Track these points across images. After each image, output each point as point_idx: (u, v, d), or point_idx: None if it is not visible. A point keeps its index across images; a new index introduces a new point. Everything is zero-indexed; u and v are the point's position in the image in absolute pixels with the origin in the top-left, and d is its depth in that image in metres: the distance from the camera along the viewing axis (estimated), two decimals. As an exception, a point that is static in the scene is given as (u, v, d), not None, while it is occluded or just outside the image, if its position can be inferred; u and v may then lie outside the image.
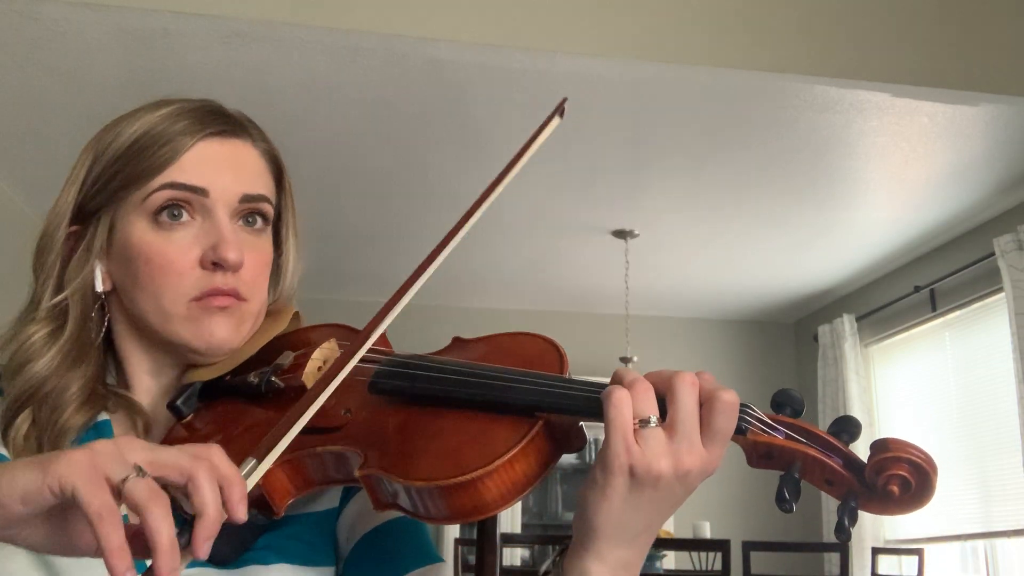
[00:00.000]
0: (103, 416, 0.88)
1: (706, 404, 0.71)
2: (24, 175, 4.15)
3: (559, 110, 0.92)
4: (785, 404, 0.73)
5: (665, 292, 6.06)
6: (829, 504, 5.57)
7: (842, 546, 4.24)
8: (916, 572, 4.09)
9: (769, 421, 0.73)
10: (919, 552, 4.14)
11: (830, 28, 3.15)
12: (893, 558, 4.76)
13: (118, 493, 0.56)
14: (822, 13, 3.16)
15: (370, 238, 5.11)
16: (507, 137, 3.88)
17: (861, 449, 0.72)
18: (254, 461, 0.67)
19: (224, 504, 0.59)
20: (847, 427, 0.72)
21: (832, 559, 5.32)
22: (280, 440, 0.70)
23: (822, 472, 0.71)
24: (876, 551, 4.48)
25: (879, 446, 0.70)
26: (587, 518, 0.73)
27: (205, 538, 0.57)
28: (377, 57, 3.22)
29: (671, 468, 0.70)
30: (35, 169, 4.07)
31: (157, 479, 0.57)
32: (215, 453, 0.61)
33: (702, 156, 4.08)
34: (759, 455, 0.73)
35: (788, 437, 0.72)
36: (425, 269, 0.82)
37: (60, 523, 0.59)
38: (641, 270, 5.39)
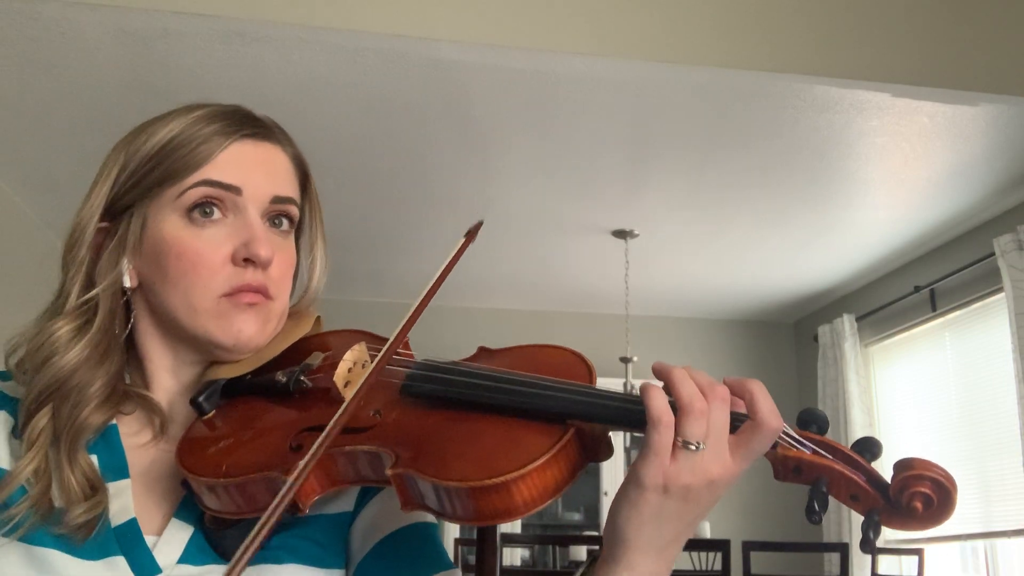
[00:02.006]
0: (112, 421, 0.88)
1: (753, 424, 0.72)
2: (24, 175, 4.15)
3: (472, 233, 0.94)
4: (811, 422, 0.76)
5: (665, 292, 6.06)
6: (829, 504, 5.56)
7: (842, 546, 4.24)
8: (916, 572, 4.09)
9: (798, 436, 0.75)
10: (919, 552, 4.14)
11: (830, 28, 3.15)
12: (893, 558, 4.76)
13: None
14: (822, 13, 3.16)
15: (369, 238, 5.10)
16: (507, 137, 3.88)
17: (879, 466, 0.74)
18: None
19: None
20: (870, 447, 0.75)
21: (832, 559, 5.32)
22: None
23: (848, 488, 0.74)
24: (876, 551, 4.48)
25: (903, 465, 0.72)
26: (618, 530, 0.74)
27: None
28: (377, 57, 3.22)
29: (701, 480, 0.71)
30: (35, 169, 4.07)
31: None
32: None
33: (702, 156, 4.08)
34: (787, 470, 0.75)
35: (815, 453, 0.74)
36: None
37: None
38: (641, 270, 5.39)
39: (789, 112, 3.63)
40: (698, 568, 4.83)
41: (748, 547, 4.12)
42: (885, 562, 4.66)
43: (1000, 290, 4.52)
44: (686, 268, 5.62)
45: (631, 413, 0.73)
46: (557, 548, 4.75)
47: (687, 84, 3.43)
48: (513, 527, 5.96)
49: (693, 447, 0.71)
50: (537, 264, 5.59)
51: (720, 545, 3.97)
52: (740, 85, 3.37)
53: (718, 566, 4.00)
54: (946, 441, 4.96)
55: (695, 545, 4.45)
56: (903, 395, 5.49)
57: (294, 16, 2.83)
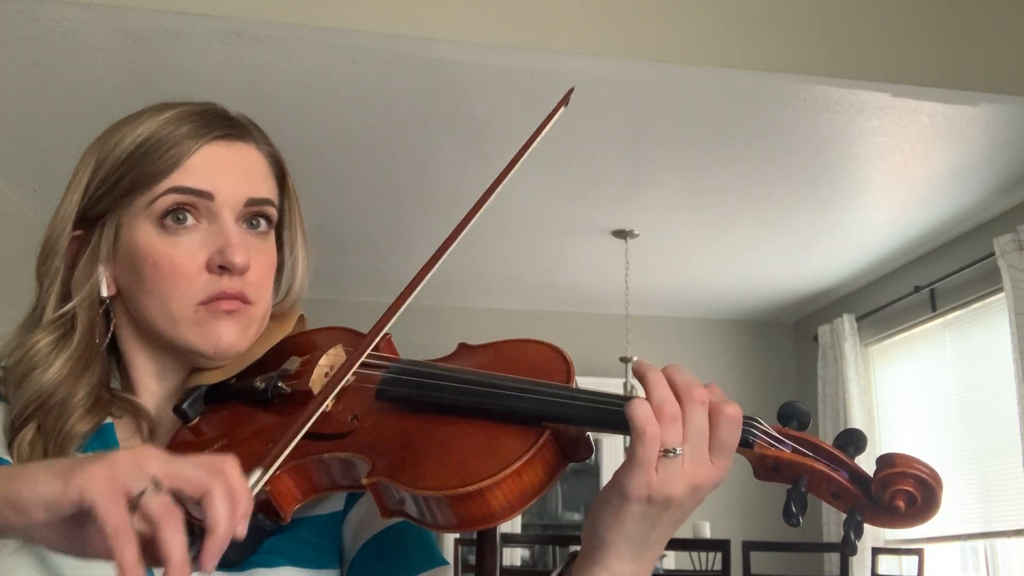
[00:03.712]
0: (107, 420, 0.88)
1: (711, 418, 0.71)
2: (24, 175, 4.15)
3: (565, 100, 0.92)
4: (791, 417, 0.74)
5: (665, 292, 6.06)
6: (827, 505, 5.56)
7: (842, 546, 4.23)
8: (916, 572, 4.09)
9: (776, 434, 0.73)
10: (919, 552, 4.14)
11: (830, 28, 3.15)
12: (893, 558, 4.76)
13: (134, 506, 0.57)
14: (822, 13, 3.16)
15: (370, 238, 5.10)
16: (507, 137, 3.87)
17: (864, 460, 0.73)
18: (260, 471, 0.68)
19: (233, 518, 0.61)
20: (853, 440, 0.73)
21: (832, 559, 5.32)
22: (285, 449, 0.71)
23: (828, 486, 0.72)
24: (876, 551, 4.48)
25: (885, 461, 0.70)
26: (599, 535, 0.73)
27: (214, 553, 0.59)
28: (377, 57, 3.22)
29: (684, 488, 0.70)
30: (35, 169, 4.07)
31: (173, 491, 0.59)
32: (230, 467, 0.61)
33: (702, 156, 4.08)
34: (766, 468, 0.73)
35: (795, 451, 0.72)
36: (431, 267, 0.83)
37: (76, 528, 0.59)
38: (641, 270, 5.39)
39: (789, 112, 3.63)
40: (698, 568, 4.83)
41: (748, 547, 4.11)
42: (885, 562, 4.65)
43: (1000, 290, 4.51)
44: (686, 268, 5.61)
45: (607, 414, 0.72)
46: (557, 548, 4.75)
47: (687, 84, 3.43)
48: (513, 527, 5.96)
49: (672, 454, 0.69)
50: (537, 264, 5.59)
51: (720, 545, 3.97)
52: (740, 85, 3.37)
53: (718, 566, 4.00)
54: (946, 441, 4.96)
55: (695, 545, 4.45)
56: (903, 395, 5.49)
57: (294, 16, 2.82)
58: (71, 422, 0.84)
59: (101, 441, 0.87)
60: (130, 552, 0.55)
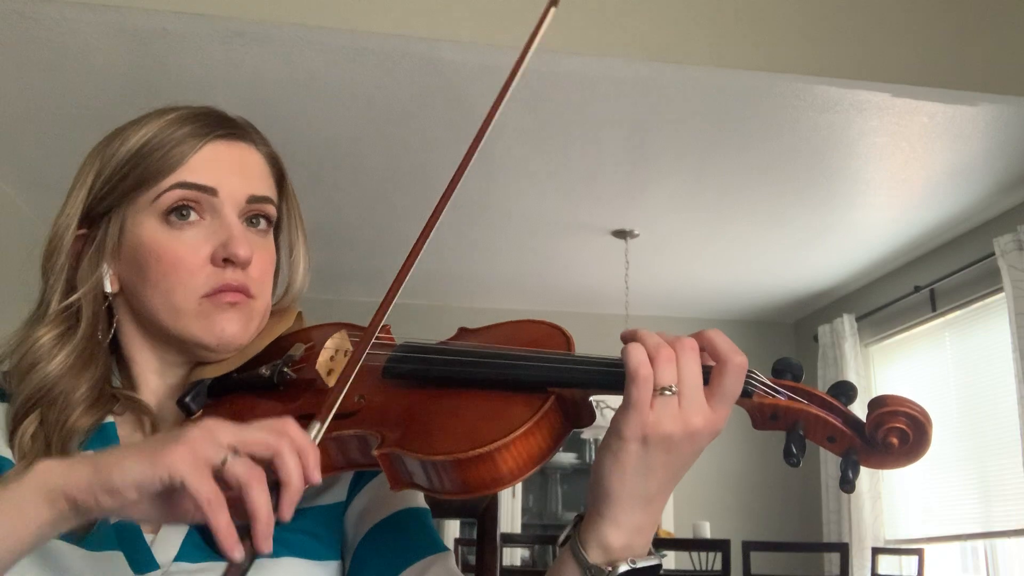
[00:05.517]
0: (109, 419, 0.89)
1: (718, 365, 0.73)
2: (24, 175, 4.15)
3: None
4: (785, 370, 0.77)
5: (665, 292, 6.06)
6: (828, 504, 5.57)
7: (842, 546, 4.24)
8: (916, 572, 4.09)
9: (772, 384, 0.76)
10: (919, 552, 4.14)
11: (830, 28, 3.15)
12: (893, 558, 4.76)
13: (219, 474, 0.63)
14: (822, 13, 3.16)
15: (370, 238, 5.10)
16: (507, 137, 3.88)
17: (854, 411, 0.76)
18: (317, 424, 0.72)
19: (304, 470, 0.67)
20: (844, 391, 0.76)
21: (832, 559, 5.31)
22: (337, 398, 0.74)
23: (824, 430, 0.75)
24: (876, 551, 4.48)
25: (877, 402, 0.74)
26: (602, 484, 0.74)
27: (292, 504, 0.65)
28: (377, 57, 3.22)
29: (681, 430, 0.72)
30: (35, 169, 4.07)
31: (247, 456, 0.65)
32: (290, 426, 0.68)
33: (702, 156, 4.08)
34: (764, 417, 0.76)
35: (790, 399, 0.75)
36: (435, 219, 0.84)
37: (165, 500, 0.65)
38: (641, 270, 5.39)
39: (789, 112, 3.63)
40: (698, 568, 4.83)
41: (748, 547, 4.12)
42: (885, 562, 4.66)
43: (1000, 290, 4.51)
44: (686, 268, 5.62)
45: (608, 375, 0.75)
46: (557, 548, 4.75)
47: (687, 84, 3.43)
48: (513, 527, 5.96)
49: (668, 392, 0.71)
50: (537, 264, 5.59)
51: (720, 545, 3.97)
52: (740, 85, 3.37)
53: (718, 566, 4.01)
54: (946, 441, 4.95)
55: (695, 545, 4.45)
56: (903, 395, 5.48)
57: (294, 16, 2.83)
58: (73, 417, 0.85)
59: (102, 439, 0.88)
60: (224, 517, 0.62)
